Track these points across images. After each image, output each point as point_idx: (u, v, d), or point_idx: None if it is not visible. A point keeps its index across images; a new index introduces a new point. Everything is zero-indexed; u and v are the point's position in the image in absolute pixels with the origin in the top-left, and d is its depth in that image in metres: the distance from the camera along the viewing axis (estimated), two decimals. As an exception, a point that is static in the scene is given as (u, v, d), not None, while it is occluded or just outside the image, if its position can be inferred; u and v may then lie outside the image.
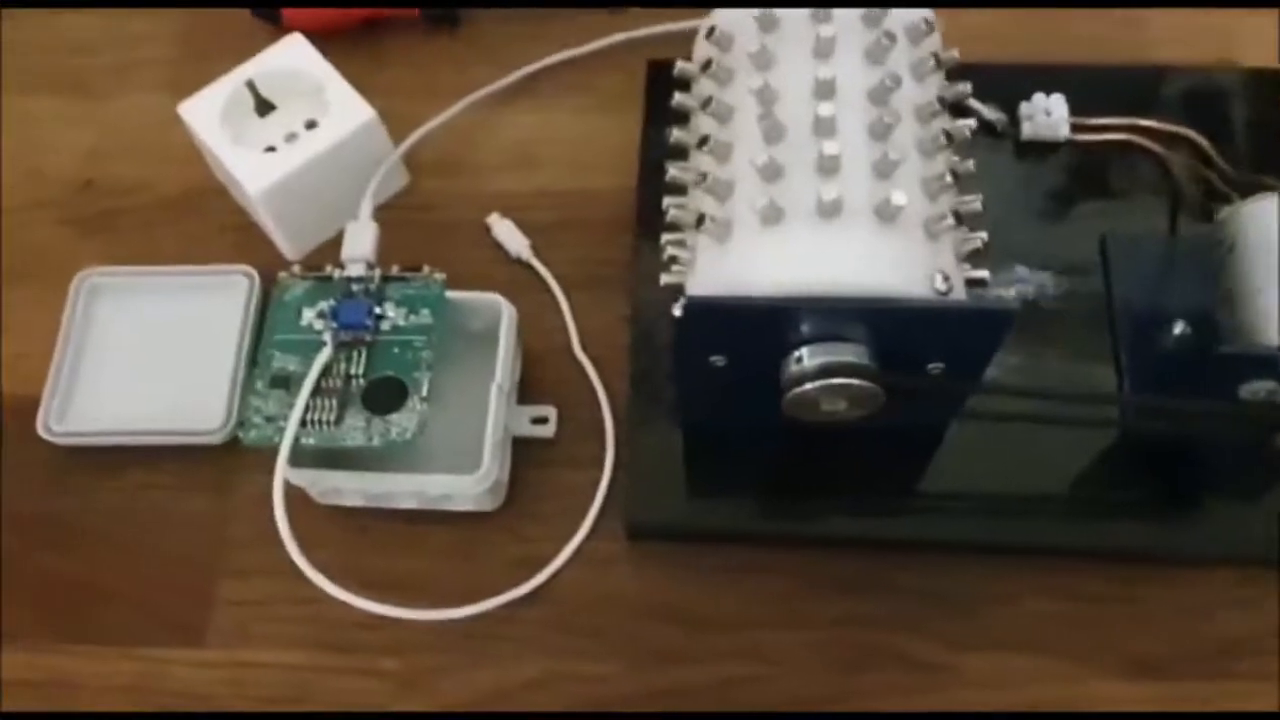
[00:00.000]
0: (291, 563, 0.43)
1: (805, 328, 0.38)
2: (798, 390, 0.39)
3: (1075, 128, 0.52)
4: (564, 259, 0.53)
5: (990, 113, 0.52)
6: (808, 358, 0.39)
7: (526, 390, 0.49)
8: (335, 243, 0.51)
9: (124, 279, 0.52)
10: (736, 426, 0.44)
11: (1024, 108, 0.52)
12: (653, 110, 0.54)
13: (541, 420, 0.49)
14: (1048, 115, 0.52)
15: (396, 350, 0.45)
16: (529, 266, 0.53)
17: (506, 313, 0.47)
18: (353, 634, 0.46)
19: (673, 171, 0.43)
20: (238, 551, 0.48)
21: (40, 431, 0.49)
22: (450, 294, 0.47)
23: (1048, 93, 0.52)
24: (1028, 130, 0.52)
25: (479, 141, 0.56)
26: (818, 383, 0.39)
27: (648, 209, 0.51)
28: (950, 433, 0.46)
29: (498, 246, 0.53)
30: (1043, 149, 0.52)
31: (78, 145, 0.57)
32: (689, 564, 0.46)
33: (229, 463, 0.49)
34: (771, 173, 0.38)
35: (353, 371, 0.45)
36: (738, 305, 0.37)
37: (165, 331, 0.51)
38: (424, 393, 0.44)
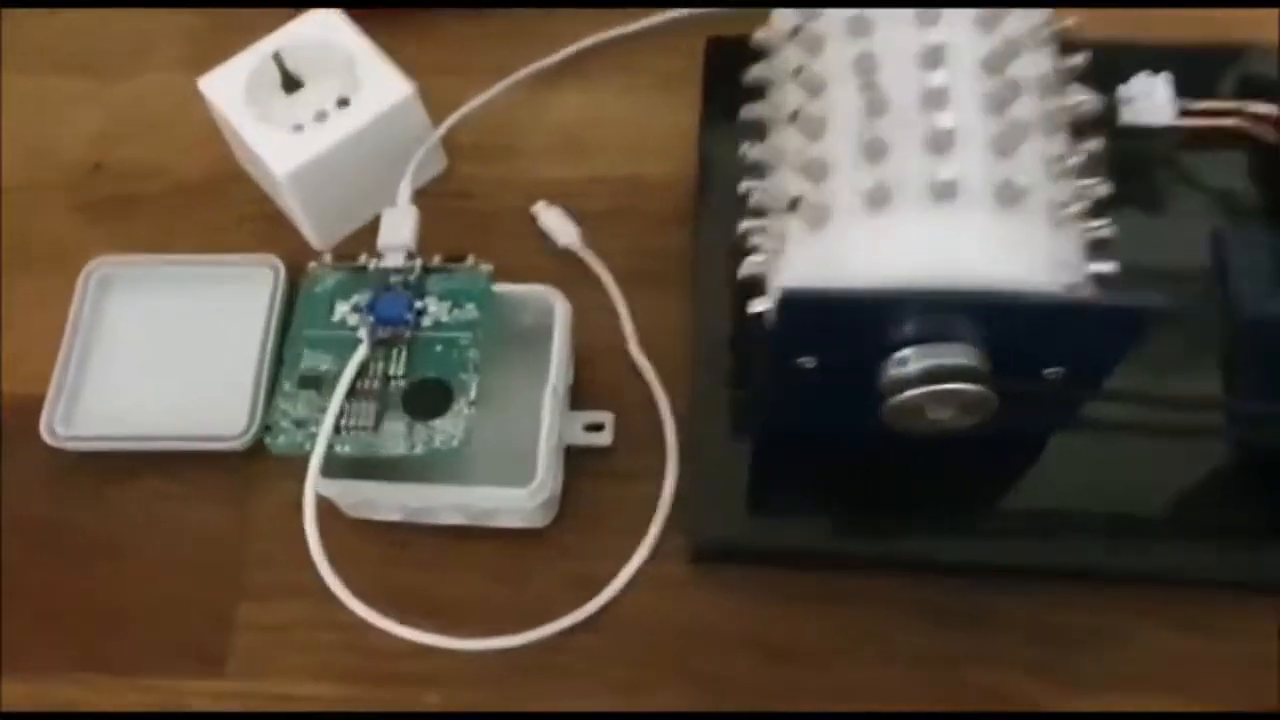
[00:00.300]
0: (322, 583, 0.39)
1: (912, 325, 0.34)
2: (902, 396, 0.35)
3: (1181, 112, 0.47)
4: (616, 250, 0.48)
5: (1085, 94, 0.47)
6: (914, 359, 0.34)
7: (578, 394, 0.45)
8: (367, 232, 0.47)
9: (137, 269, 0.48)
10: (817, 436, 0.40)
11: (1122, 90, 0.47)
12: (712, 90, 0.50)
13: (596, 427, 0.44)
14: (1149, 98, 0.47)
15: (439, 349, 0.41)
16: (578, 258, 0.48)
17: (560, 307, 0.43)
18: (389, 664, 0.41)
19: (751, 152, 0.39)
20: (261, 570, 0.43)
21: (44, 435, 0.44)
22: (497, 287, 0.42)
23: (1150, 73, 0.47)
24: (1126, 115, 0.47)
25: (523, 124, 0.51)
26: (926, 388, 0.34)
27: (710, 196, 0.47)
28: (1051, 442, 0.42)
29: (543, 236, 0.49)
30: (1143, 135, 0.47)
31: (87, 125, 0.53)
32: (762, 589, 0.42)
33: (252, 471, 0.44)
34: (876, 150, 0.34)
35: (392, 372, 0.40)
36: (844, 298, 0.33)
37: (182, 327, 0.47)
38: (472, 396, 0.40)
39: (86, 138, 0.52)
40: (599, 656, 0.41)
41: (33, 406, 0.45)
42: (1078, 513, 0.41)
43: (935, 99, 0.34)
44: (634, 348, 0.46)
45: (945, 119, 0.33)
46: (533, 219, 0.49)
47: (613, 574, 0.42)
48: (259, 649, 0.42)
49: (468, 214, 0.49)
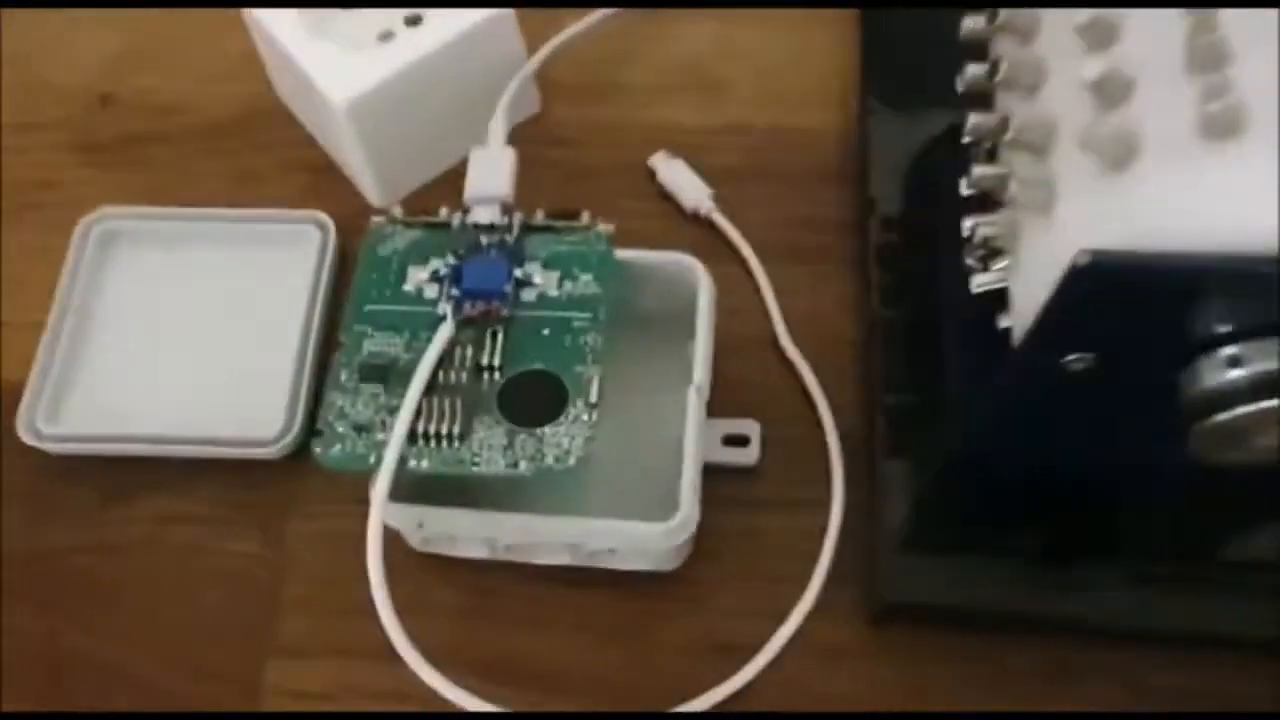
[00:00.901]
0: (382, 640, 0.29)
1: (1256, 309, 0.24)
2: (1227, 415, 0.24)
3: None
4: (758, 218, 0.38)
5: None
6: (1250, 359, 0.24)
7: (714, 398, 0.34)
8: (438, 189, 0.37)
9: (149, 224, 0.39)
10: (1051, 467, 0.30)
11: None
12: (871, 26, 0.40)
13: (739, 441, 0.34)
14: None
15: (547, 332, 0.31)
16: (710, 225, 0.38)
17: (705, 282, 0.32)
18: (468, 752, 0.31)
19: (971, 70, 0.29)
20: (300, 618, 0.33)
21: (22, 434, 0.35)
22: (621, 253, 0.32)
23: None
24: None
25: (636, 57, 0.41)
26: (1266, 403, 0.24)
27: (876, 152, 0.38)
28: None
29: (665, 197, 0.39)
30: None
31: (95, 50, 0.43)
32: (965, 662, 0.32)
33: (291, 489, 0.35)
34: (1215, 54, 0.23)
35: (485, 361, 0.30)
36: (1183, 265, 0.23)
37: (203, 299, 0.38)
38: (592, 396, 0.29)
39: (93, 65, 0.43)
40: (748, 751, 0.31)
41: (10, 398, 0.36)
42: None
43: None
44: (784, 339, 0.36)
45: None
46: (649, 175, 0.39)
47: (763, 637, 0.32)
48: (295, 725, 0.32)
49: (566, 167, 0.39)
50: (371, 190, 0.38)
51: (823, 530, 0.33)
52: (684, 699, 0.31)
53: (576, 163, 0.39)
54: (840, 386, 0.35)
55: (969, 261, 0.32)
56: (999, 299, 0.30)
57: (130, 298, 0.37)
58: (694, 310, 0.33)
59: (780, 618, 0.32)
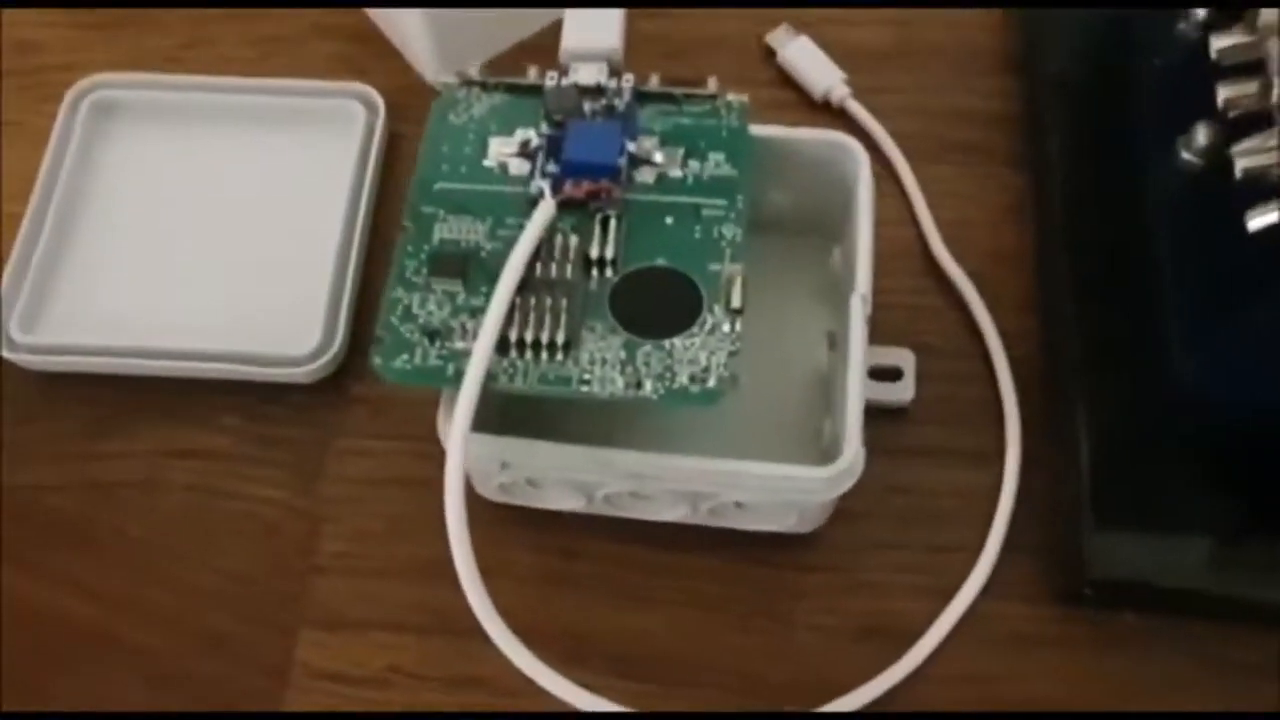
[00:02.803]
0: (445, 608, 0.23)
1: None
2: None
3: None
4: (900, 107, 0.32)
5: None
6: None
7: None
8: (508, 62, 0.31)
9: (154, 95, 0.32)
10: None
11: None
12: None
13: (889, 375, 0.27)
14: None
15: (671, 220, 0.24)
16: (843, 115, 0.31)
17: (865, 169, 0.26)
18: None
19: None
20: (337, 582, 0.26)
21: None
22: (758, 129, 0.25)
23: None
24: None
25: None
26: None
27: (1043, 34, 0.31)
28: None
29: (786, 82, 0.32)
30: None
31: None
32: (1178, 655, 0.25)
33: (329, 420, 0.28)
34: None
35: (595, 254, 0.23)
36: None
37: (220, 185, 0.31)
38: (735, 300, 0.23)
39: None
40: (912, 759, 0.25)
41: (-21, 299, 0.28)
42: None
43: None
44: (939, 250, 0.29)
45: None
46: (767, 53, 0.32)
47: (924, 617, 0.25)
48: (327, 708, 0.25)
49: (661, 42, 0.33)
50: (428, 61, 0.31)
51: (995, 488, 0.27)
52: (830, 694, 0.25)
53: (679, 36, 0.33)
54: (1009, 309, 0.29)
55: (1186, 156, 0.26)
56: (1249, 194, 0.24)
57: (129, 183, 0.31)
58: (837, 207, 0.27)
59: (946, 595, 0.26)
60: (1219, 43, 0.25)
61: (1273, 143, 0.23)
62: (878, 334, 0.27)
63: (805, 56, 0.32)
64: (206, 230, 0.30)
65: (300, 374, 0.27)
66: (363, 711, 0.26)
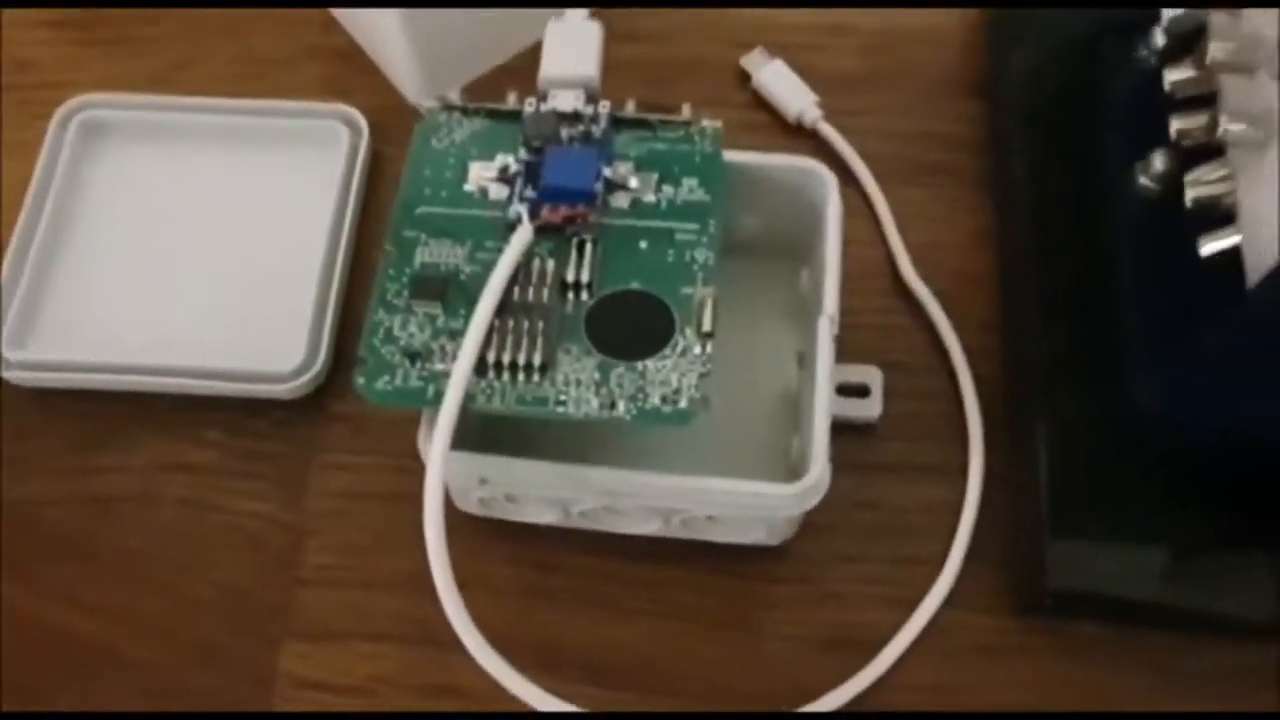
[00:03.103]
0: (424, 620, 0.24)
1: None
2: None
3: None
4: (871, 129, 0.33)
5: None
6: None
7: (825, 339, 0.29)
8: (491, 84, 0.31)
9: (142, 115, 0.33)
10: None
11: None
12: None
13: (858, 391, 0.28)
14: None
15: (645, 245, 0.25)
16: (814, 138, 0.32)
17: (834, 193, 0.26)
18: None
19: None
20: (321, 593, 0.27)
21: None
22: (731, 155, 0.26)
23: None
24: None
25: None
26: None
27: (1009, 59, 0.32)
28: None
29: (761, 104, 0.33)
30: None
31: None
32: (1132, 665, 0.26)
33: (312, 436, 0.29)
34: None
35: (570, 277, 0.24)
36: None
37: (207, 204, 0.32)
38: (706, 323, 0.23)
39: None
40: (877, 764, 0.25)
41: (-31, 315, 0.29)
42: None
43: None
44: (907, 271, 0.30)
45: None
46: (742, 77, 0.33)
47: (889, 627, 0.26)
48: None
49: (642, 67, 0.34)
50: (410, 82, 0.32)
51: (958, 502, 0.28)
52: (796, 701, 0.25)
53: (655, 60, 0.34)
54: (974, 329, 0.30)
55: (1144, 182, 0.27)
56: (1201, 221, 0.25)
57: (117, 202, 0.31)
58: (807, 229, 0.27)
59: (910, 606, 0.27)
60: (1172, 75, 0.26)
61: (1221, 173, 0.24)
62: (847, 352, 0.28)
63: (779, 80, 0.33)
64: (192, 249, 0.30)
65: (283, 390, 0.28)
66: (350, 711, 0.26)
